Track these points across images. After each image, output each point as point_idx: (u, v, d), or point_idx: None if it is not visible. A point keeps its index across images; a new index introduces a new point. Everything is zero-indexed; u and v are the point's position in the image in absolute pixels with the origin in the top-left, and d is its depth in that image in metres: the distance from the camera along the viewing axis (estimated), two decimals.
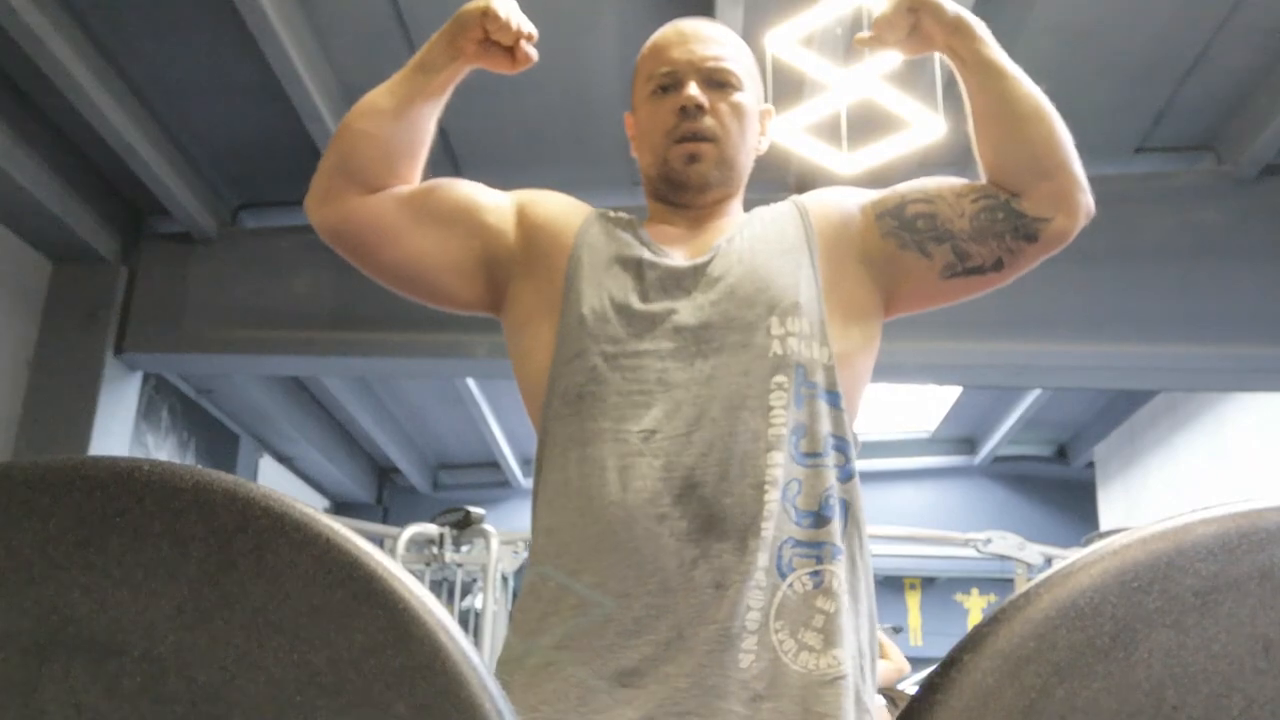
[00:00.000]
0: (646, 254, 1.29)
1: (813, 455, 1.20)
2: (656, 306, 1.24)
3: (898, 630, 7.60)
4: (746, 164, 1.38)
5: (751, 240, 1.29)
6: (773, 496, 1.15)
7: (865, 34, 1.34)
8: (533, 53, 1.31)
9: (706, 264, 1.27)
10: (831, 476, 1.20)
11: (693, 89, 1.31)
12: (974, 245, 1.29)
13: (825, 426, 1.21)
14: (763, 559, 1.13)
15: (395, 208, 1.33)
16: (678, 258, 1.29)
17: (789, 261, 1.27)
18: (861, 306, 1.31)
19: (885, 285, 1.32)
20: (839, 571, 1.17)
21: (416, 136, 1.34)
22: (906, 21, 1.31)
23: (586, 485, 1.18)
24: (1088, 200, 1.30)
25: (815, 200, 1.37)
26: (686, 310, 1.23)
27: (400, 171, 1.34)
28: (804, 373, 1.21)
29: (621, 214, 1.38)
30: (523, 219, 1.35)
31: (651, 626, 1.11)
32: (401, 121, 1.32)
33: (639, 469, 1.16)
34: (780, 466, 1.16)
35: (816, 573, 1.16)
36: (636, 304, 1.25)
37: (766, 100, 1.44)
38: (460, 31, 1.29)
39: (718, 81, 1.33)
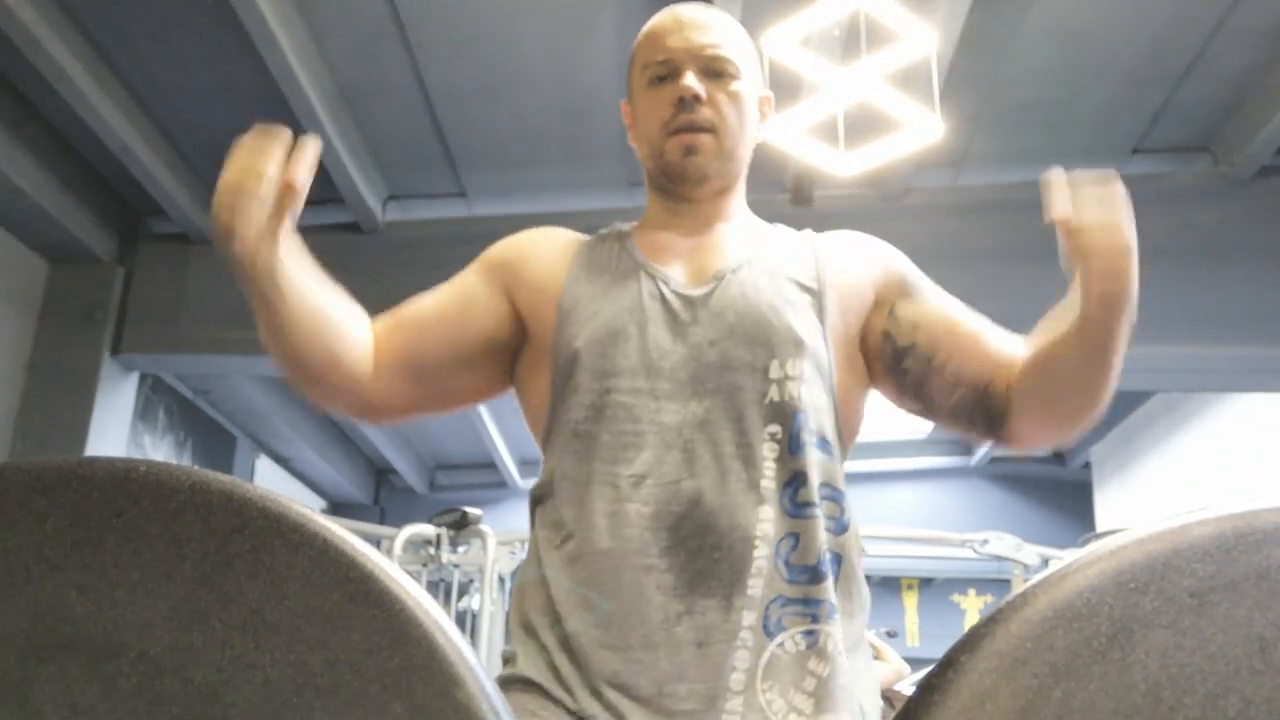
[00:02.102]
0: (645, 282, 1.24)
1: (805, 507, 1.15)
2: (654, 340, 1.20)
3: (892, 635, 7.58)
4: (746, 154, 1.34)
5: (757, 276, 1.24)
6: (762, 552, 1.11)
7: (1063, 219, 1.04)
8: (300, 180, 1.10)
9: (709, 295, 1.22)
10: (824, 530, 1.16)
11: (689, 79, 1.27)
12: (941, 418, 1.27)
13: (818, 477, 1.17)
14: (748, 618, 1.09)
15: (419, 383, 1.28)
16: (677, 279, 1.25)
17: (794, 302, 1.22)
18: (857, 355, 1.28)
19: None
20: (834, 632, 1.13)
21: (318, 327, 1.19)
22: (1095, 271, 1.06)
23: (579, 529, 1.15)
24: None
25: (833, 249, 1.30)
26: (684, 347, 1.19)
27: (343, 350, 1.23)
28: (800, 420, 1.17)
29: (615, 228, 1.33)
30: (511, 291, 1.30)
31: (633, 682, 1.08)
32: (291, 338, 1.18)
33: (628, 516, 1.13)
34: (771, 521, 1.12)
35: (811, 632, 1.12)
36: (633, 335, 1.20)
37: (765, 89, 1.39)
38: (229, 251, 1.11)
39: (715, 70, 1.29)
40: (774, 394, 1.17)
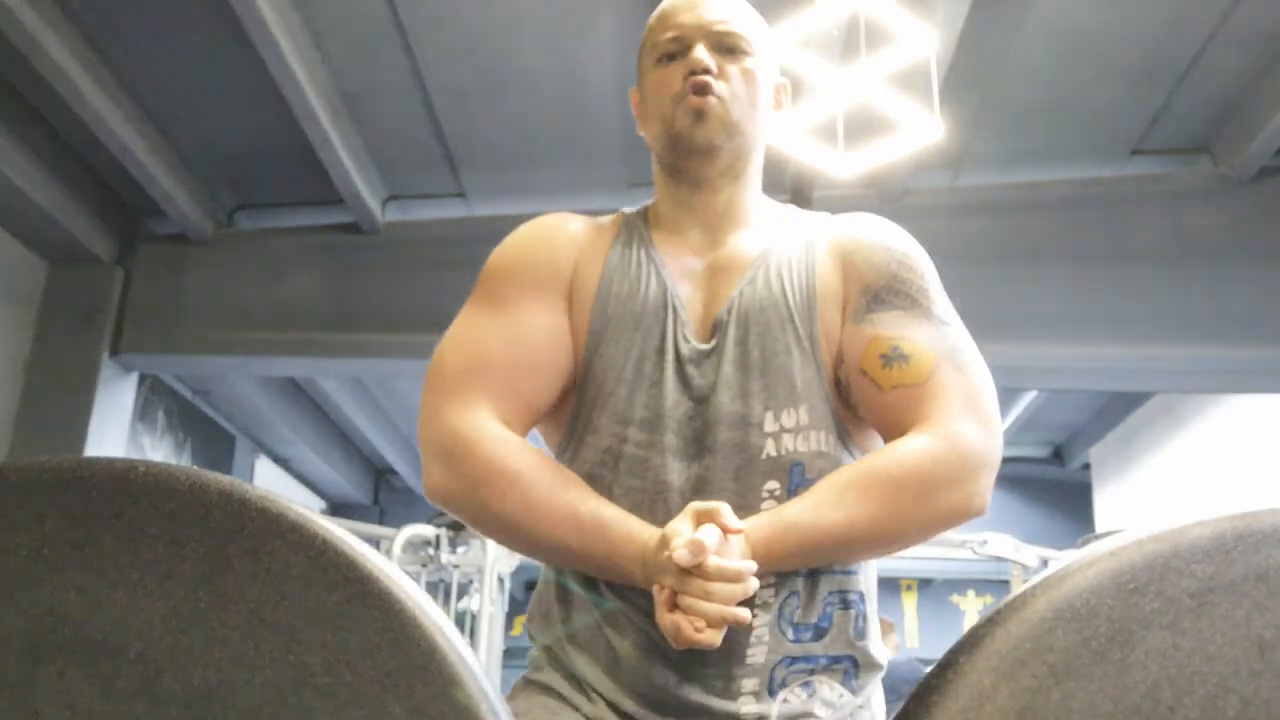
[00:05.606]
0: (670, 321, 1.20)
1: None
2: (668, 390, 1.17)
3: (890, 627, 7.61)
4: (757, 135, 1.29)
5: (751, 317, 1.19)
6: (762, 620, 1.09)
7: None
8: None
9: (711, 350, 1.19)
10: (828, 575, 1.14)
11: (700, 52, 1.23)
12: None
13: None
14: (749, 684, 1.08)
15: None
16: (693, 321, 1.20)
17: (788, 345, 1.18)
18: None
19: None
20: (833, 680, 1.12)
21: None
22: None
23: (583, 584, 1.15)
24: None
25: (832, 253, 1.25)
26: (689, 401, 1.17)
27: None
28: (800, 471, 1.14)
29: (638, 215, 1.30)
30: (564, 303, 1.24)
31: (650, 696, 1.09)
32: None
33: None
34: (771, 586, 1.10)
35: (807, 684, 1.10)
36: (654, 382, 1.18)
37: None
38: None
39: (727, 46, 1.25)
40: (770, 449, 1.14)
